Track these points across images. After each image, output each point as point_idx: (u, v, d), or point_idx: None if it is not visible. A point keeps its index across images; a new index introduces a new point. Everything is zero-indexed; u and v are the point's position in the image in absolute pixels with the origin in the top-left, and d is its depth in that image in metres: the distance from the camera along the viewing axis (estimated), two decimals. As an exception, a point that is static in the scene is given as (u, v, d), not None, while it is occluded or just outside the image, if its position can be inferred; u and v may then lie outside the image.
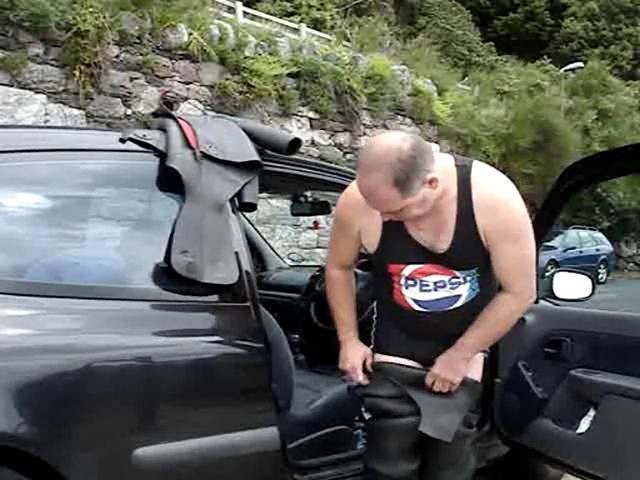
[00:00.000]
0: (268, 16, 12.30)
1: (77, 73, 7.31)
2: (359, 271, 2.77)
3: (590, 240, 16.08)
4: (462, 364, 1.85)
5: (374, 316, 2.02)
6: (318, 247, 10.05)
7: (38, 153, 1.86)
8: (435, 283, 1.80)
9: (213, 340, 1.92)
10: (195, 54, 8.42)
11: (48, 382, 1.62)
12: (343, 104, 10.50)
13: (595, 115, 18.15)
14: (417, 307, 1.84)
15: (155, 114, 2.31)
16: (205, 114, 7.22)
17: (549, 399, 2.28)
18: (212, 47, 8.59)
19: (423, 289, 1.81)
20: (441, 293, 1.81)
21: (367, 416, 1.97)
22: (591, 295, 2.50)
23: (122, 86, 7.85)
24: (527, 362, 2.37)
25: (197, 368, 1.88)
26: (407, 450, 1.90)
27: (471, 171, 1.72)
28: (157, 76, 8.20)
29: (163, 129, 2.11)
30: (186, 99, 8.51)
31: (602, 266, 15.90)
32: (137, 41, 7.92)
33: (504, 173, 1.83)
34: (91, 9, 7.25)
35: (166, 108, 2.21)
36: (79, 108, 7.52)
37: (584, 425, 2.16)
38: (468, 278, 1.81)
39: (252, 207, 2.11)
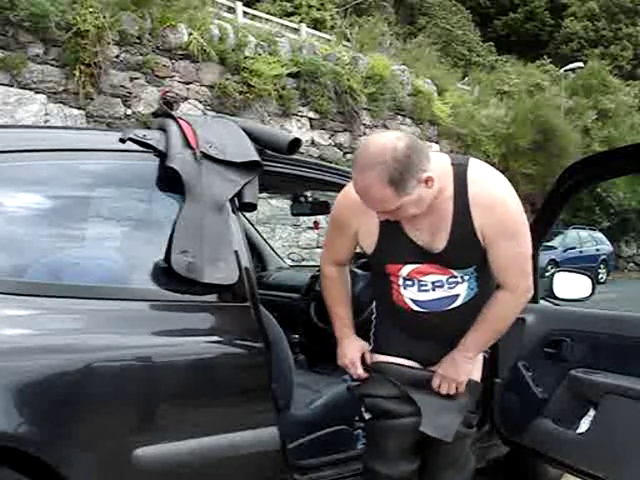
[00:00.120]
0: (268, 16, 12.30)
1: (77, 73, 7.32)
2: (359, 271, 2.77)
3: (590, 240, 16.08)
4: (466, 364, 1.85)
5: (373, 316, 2.02)
6: (318, 247, 10.03)
7: (38, 153, 1.86)
8: (433, 283, 1.80)
9: (213, 340, 1.92)
10: (195, 54, 8.42)
11: (48, 382, 1.62)
12: (343, 104, 10.50)
13: (595, 115, 18.15)
14: (415, 307, 1.84)
15: (155, 114, 2.31)
16: (205, 114, 7.22)
17: (549, 399, 2.28)
18: (212, 47, 8.59)
19: (421, 289, 1.81)
20: (439, 293, 1.81)
21: (367, 416, 1.97)
22: (591, 295, 2.50)
23: (122, 86, 7.85)
24: (527, 362, 2.37)
25: (197, 368, 1.88)
26: (407, 450, 1.90)
27: (467, 170, 1.71)
28: (157, 76, 8.20)
29: (163, 129, 2.11)
30: (186, 99, 8.52)
31: (602, 266, 15.90)
32: (137, 41, 7.93)
33: (504, 173, 1.83)
34: (91, 9, 7.26)
35: (166, 108, 2.21)
36: (79, 108, 7.52)
37: (584, 425, 2.16)
38: (466, 277, 1.80)
39: (252, 207, 2.11)
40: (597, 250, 15.98)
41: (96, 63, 7.39)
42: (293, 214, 3.46)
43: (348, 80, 10.40)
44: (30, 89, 7.15)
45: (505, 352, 2.33)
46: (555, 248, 14.26)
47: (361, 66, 10.89)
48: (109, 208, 2.08)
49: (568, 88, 19.30)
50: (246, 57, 9.06)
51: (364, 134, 10.90)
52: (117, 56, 7.75)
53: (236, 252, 1.96)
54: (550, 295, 2.59)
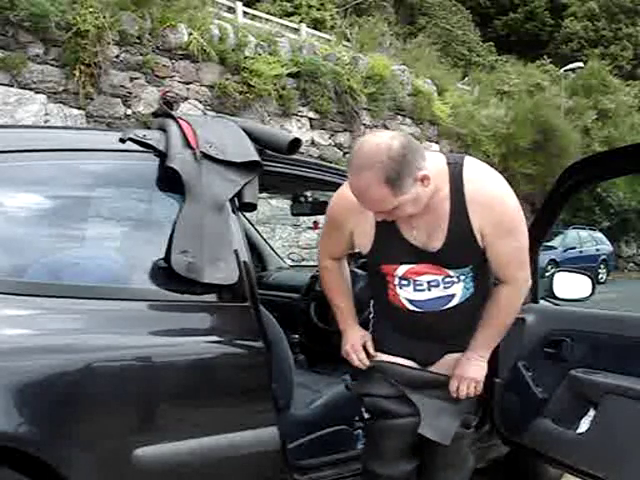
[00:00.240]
0: (268, 16, 12.30)
1: (77, 73, 7.32)
2: (359, 271, 2.77)
3: (590, 240, 16.07)
4: (482, 362, 1.87)
5: (371, 316, 2.02)
6: (318, 247, 10.03)
7: (38, 153, 1.87)
8: (429, 282, 1.80)
9: (213, 340, 1.92)
10: (195, 54, 8.42)
11: (48, 382, 1.62)
12: (343, 104, 10.50)
13: (595, 115, 18.14)
14: (411, 307, 1.84)
15: (155, 114, 2.31)
16: (205, 114, 7.22)
17: (549, 399, 2.28)
18: (212, 47, 8.59)
19: (417, 289, 1.81)
20: (435, 293, 1.81)
21: (367, 416, 1.97)
22: (591, 295, 2.50)
23: (122, 86, 7.85)
24: (527, 362, 2.37)
25: (197, 368, 1.88)
26: (405, 450, 1.90)
27: (463, 169, 1.71)
28: (157, 76, 8.20)
29: (163, 129, 2.11)
30: (186, 99, 8.52)
31: (602, 266, 15.90)
32: (137, 41, 7.93)
33: (504, 173, 1.83)
34: (91, 9, 7.26)
35: (166, 108, 2.21)
36: (79, 108, 7.52)
37: (584, 425, 2.15)
38: (462, 277, 1.80)
39: (252, 207, 2.11)
40: (597, 250, 15.98)
41: (96, 63, 7.39)
42: (293, 214, 3.46)
43: (348, 80, 10.40)
44: (30, 89, 7.15)
45: (505, 352, 2.33)
46: (555, 248, 14.25)
47: (361, 66, 10.89)
48: (109, 208, 2.08)
49: (568, 88, 19.30)
50: (246, 57, 9.06)
51: (364, 134, 10.89)
52: (117, 56, 7.75)
53: (236, 252, 1.96)
54: (550, 295, 2.59)
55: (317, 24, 15.49)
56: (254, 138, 2.18)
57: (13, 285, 1.69)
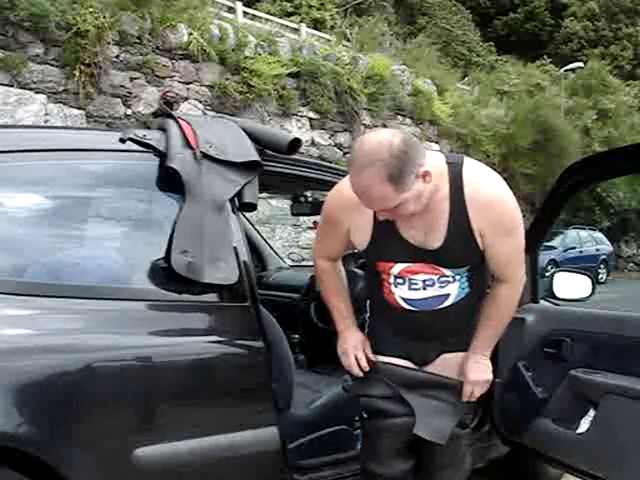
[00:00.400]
0: (268, 16, 12.31)
1: (77, 73, 7.32)
2: (359, 271, 2.77)
3: (590, 240, 16.07)
4: (487, 361, 1.89)
5: (367, 315, 2.01)
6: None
7: (38, 153, 1.86)
8: (424, 281, 1.80)
9: (213, 340, 1.92)
10: (195, 54, 8.42)
11: (48, 382, 1.62)
12: (343, 104, 10.50)
13: (595, 115, 18.16)
14: (406, 306, 1.83)
15: (155, 114, 2.31)
16: (205, 114, 7.23)
17: (549, 399, 2.28)
18: (212, 47, 8.59)
19: (412, 287, 1.81)
20: (430, 292, 1.81)
21: (365, 416, 1.97)
22: (591, 295, 2.50)
23: (122, 86, 7.85)
24: (527, 362, 2.37)
25: (197, 368, 1.88)
26: (402, 450, 1.90)
27: (462, 169, 1.71)
28: (157, 76, 8.20)
29: (163, 129, 2.11)
30: (186, 99, 8.51)
31: (602, 266, 15.90)
32: (137, 41, 7.93)
33: (504, 173, 1.83)
34: (91, 9, 7.26)
35: (166, 108, 2.21)
36: (79, 108, 7.52)
37: (584, 425, 2.15)
38: (457, 277, 1.80)
39: (252, 207, 2.11)
40: (597, 250, 15.98)
41: (96, 63, 7.39)
42: (293, 214, 3.46)
43: (348, 80, 10.40)
44: (30, 89, 7.15)
45: (505, 352, 2.33)
46: (555, 248, 14.25)
47: (361, 66, 10.89)
48: (109, 208, 2.08)
49: (568, 88, 19.31)
50: (246, 57, 9.06)
51: (364, 134, 10.88)
52: (117, 56, 7.75)
53: (236, 252, 1.96)
54: (550, 295, 2.59)
55: (317, 24, 15.49)
56: (254, 138, 2.18)
57: (13, 285, 1.69)
